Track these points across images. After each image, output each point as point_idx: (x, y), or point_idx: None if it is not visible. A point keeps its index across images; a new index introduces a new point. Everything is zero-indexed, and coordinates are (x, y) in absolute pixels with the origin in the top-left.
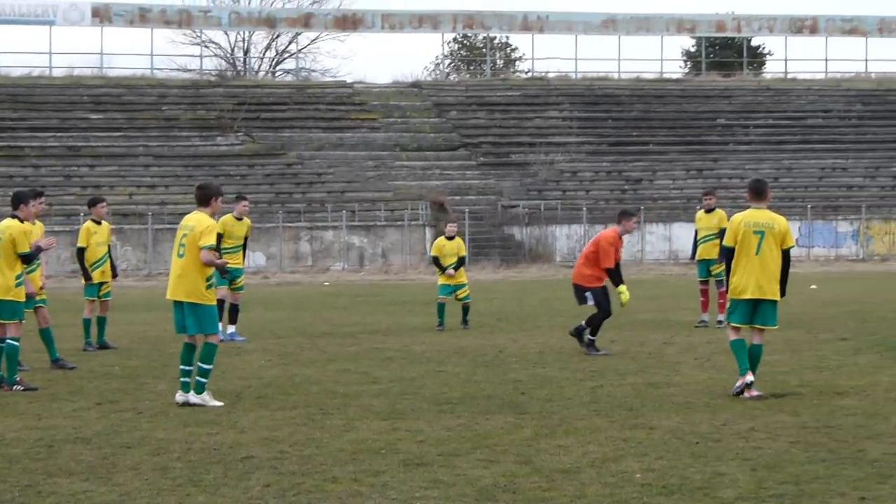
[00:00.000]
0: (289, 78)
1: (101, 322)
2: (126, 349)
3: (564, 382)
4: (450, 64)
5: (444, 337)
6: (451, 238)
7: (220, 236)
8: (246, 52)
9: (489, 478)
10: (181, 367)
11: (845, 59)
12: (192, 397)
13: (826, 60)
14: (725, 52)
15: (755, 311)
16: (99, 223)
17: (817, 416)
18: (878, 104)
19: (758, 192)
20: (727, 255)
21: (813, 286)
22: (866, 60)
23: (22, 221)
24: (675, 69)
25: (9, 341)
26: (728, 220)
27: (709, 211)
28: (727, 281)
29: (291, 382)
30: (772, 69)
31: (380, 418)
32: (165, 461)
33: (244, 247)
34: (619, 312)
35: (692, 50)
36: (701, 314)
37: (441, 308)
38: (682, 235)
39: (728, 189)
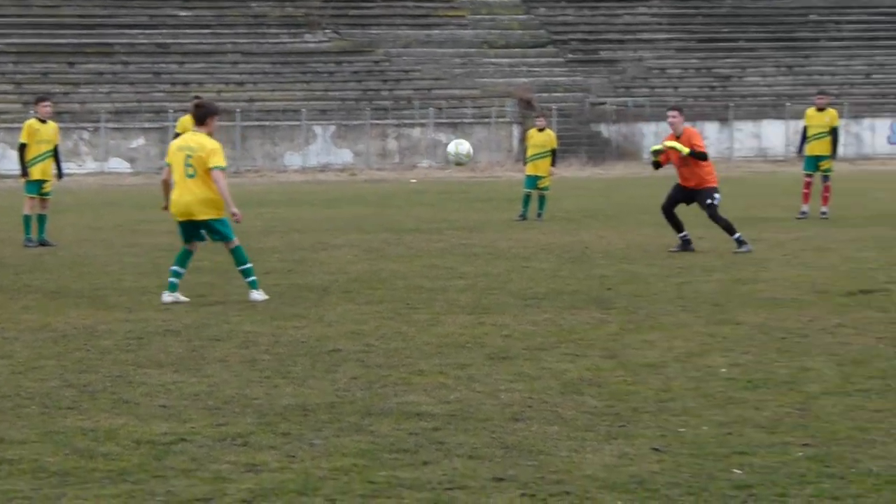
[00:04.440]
0: None
1: (42, 219)
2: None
3: (651, 279)
4: None
5: (530, 234)
6: (541, 130)
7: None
8: None
9: (574, 371)
10: (174, 268)
11: None
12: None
13: None
14: None
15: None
16: (44, 122)
17: None
18: None
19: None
20: None
21: None
22: None
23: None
24: None
25: None
26: (838, 118)
27: (820, 109)
28: None
29: (378, 277)
30: None
31: (465, 313)
32: (253, 353)
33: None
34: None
35: None
36: (802, 206)
37: (526, 199)
38: (770, 133)
39: (817, 86)
